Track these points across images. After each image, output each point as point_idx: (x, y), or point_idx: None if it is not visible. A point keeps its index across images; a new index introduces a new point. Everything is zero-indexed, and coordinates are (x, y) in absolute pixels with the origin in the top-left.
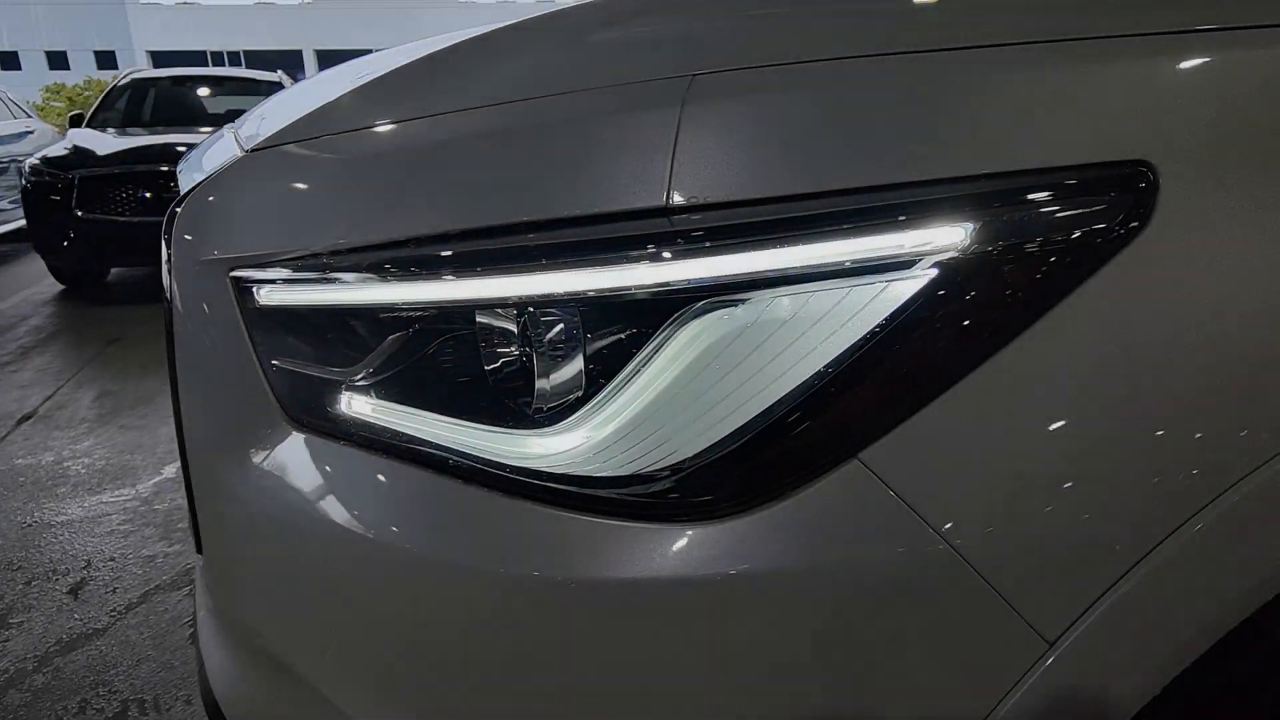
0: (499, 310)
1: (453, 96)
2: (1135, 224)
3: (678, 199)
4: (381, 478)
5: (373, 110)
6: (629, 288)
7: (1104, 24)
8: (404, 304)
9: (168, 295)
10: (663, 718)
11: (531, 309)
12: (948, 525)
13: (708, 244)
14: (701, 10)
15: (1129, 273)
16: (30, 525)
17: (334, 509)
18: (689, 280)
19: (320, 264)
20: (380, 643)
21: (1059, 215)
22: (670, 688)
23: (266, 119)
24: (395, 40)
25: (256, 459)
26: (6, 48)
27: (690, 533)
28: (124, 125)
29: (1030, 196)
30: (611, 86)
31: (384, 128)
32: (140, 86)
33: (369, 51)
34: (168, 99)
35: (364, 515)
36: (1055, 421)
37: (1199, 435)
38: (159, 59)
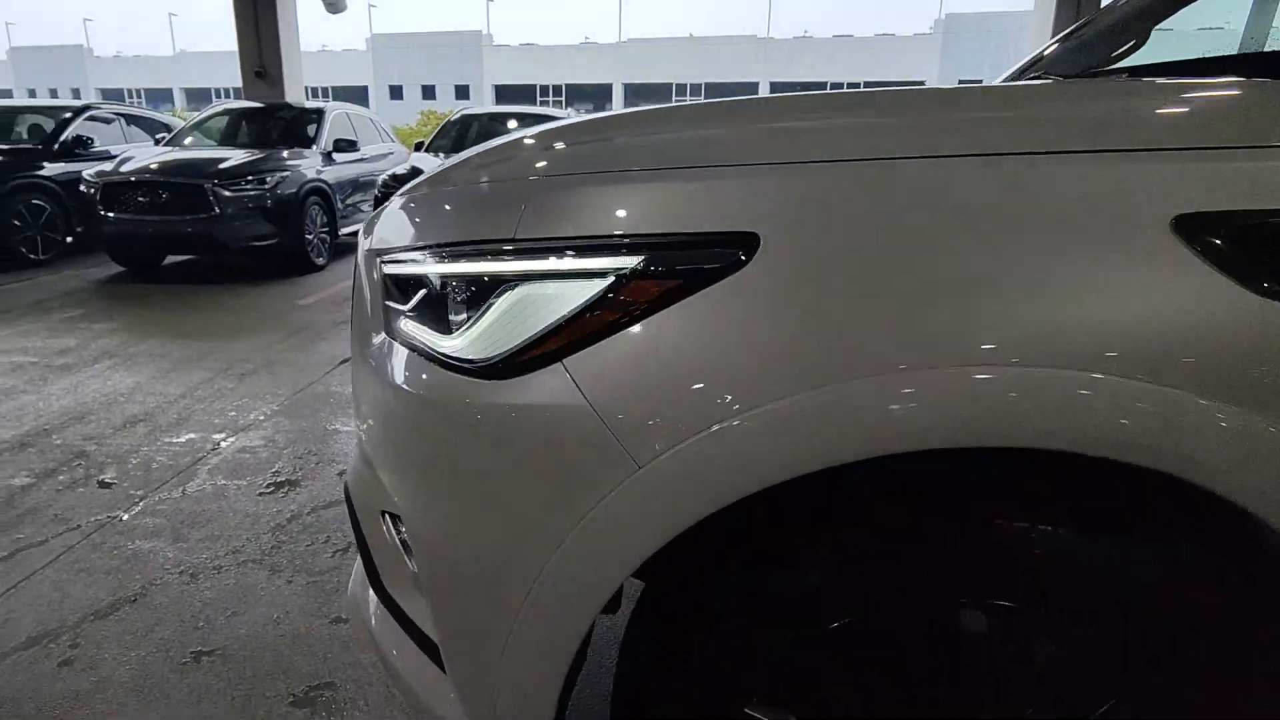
0: (444, 280)
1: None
2: (743, 260)
3: (519, 234)
4: (400, 357)
5: (429, 180)
6: (485, 273)
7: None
8: (421, 275)
9: (356, 266)
10: (466, 480)
11: (454, 281)
12: (594, 396)
13: (520, 255)
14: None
15: (735, 286)
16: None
17: (385, 367)
18: (509, 271)
19: (398, 256)
20: (382, 428)
21: (699, 253)
22: (473, 455)
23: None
24: (692, 73)
25: (372, 344)
26: (395, 82)
27: (495, 382)
28: (450, 150)
29: (683, 246)
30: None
31: (428, 188)
32: (467, 120)
33: (668, 84)
34: (486, 129)
35: (393, 369)
36: (667, 355)
37: (749, 367)
38: (500, 90)
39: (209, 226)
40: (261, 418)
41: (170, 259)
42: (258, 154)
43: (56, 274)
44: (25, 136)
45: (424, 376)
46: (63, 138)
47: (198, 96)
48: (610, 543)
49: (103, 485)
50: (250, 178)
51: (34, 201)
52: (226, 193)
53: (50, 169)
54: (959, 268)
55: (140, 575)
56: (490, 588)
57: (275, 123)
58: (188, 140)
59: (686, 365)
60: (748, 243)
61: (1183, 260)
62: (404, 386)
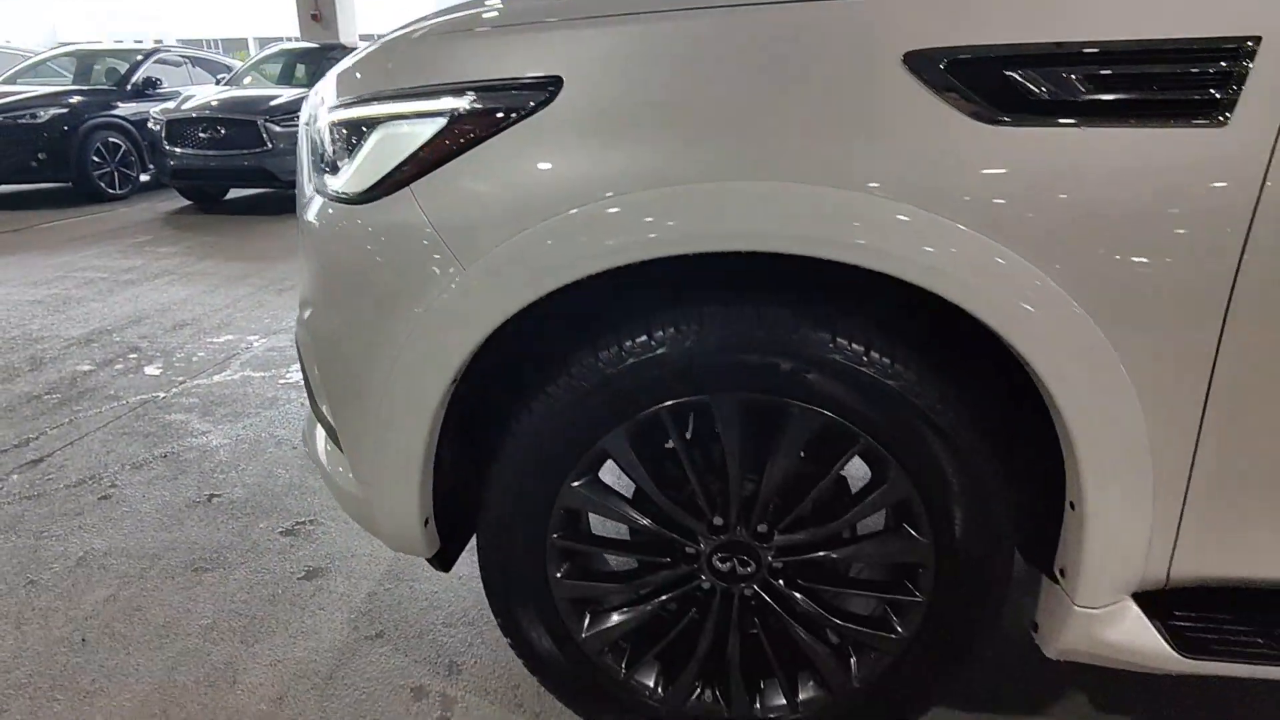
0: (333, 129)
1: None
2: (550, 98)
3: (386, 87)
4: (316, 204)
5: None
6: (359, 118)
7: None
8: (322, 129)
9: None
10: (346, 288)
11: (341, 129)
12: (431, 212)
13: (383, 101)
14: None
15: (545, 119)
16: None
17: (308, 214)
18: (374, 115)
19: (313, 121)
20: (304, 264)
21: (516, 94)
22: (349, 269)
23: None
24: None
25: (305, 200)
26: None
27: (365, 207)
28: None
29: (503, 89)
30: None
31: (341, 69)
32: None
33: None
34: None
35: (311, 214)
36: (488, 178)
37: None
38: None
39: (262, 160)
40: (292, 324)
41: (233, 193)
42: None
43: (131, 207)
44: (102, 79)
45: (329, 212)
46: (134, 79)
47: (268, 44)
48: (448, 328)
49: (150, 373)
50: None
51: (111, 140)
52: (277, 128)
53: (124, 109)
54: (722, 103)
55: (172, 439)
56: (362, 370)
57: (327, 63)
58: (246, 80)
59: (502, 186)
60: (554, 84)
61: (913, 92)
62: (313, 222)
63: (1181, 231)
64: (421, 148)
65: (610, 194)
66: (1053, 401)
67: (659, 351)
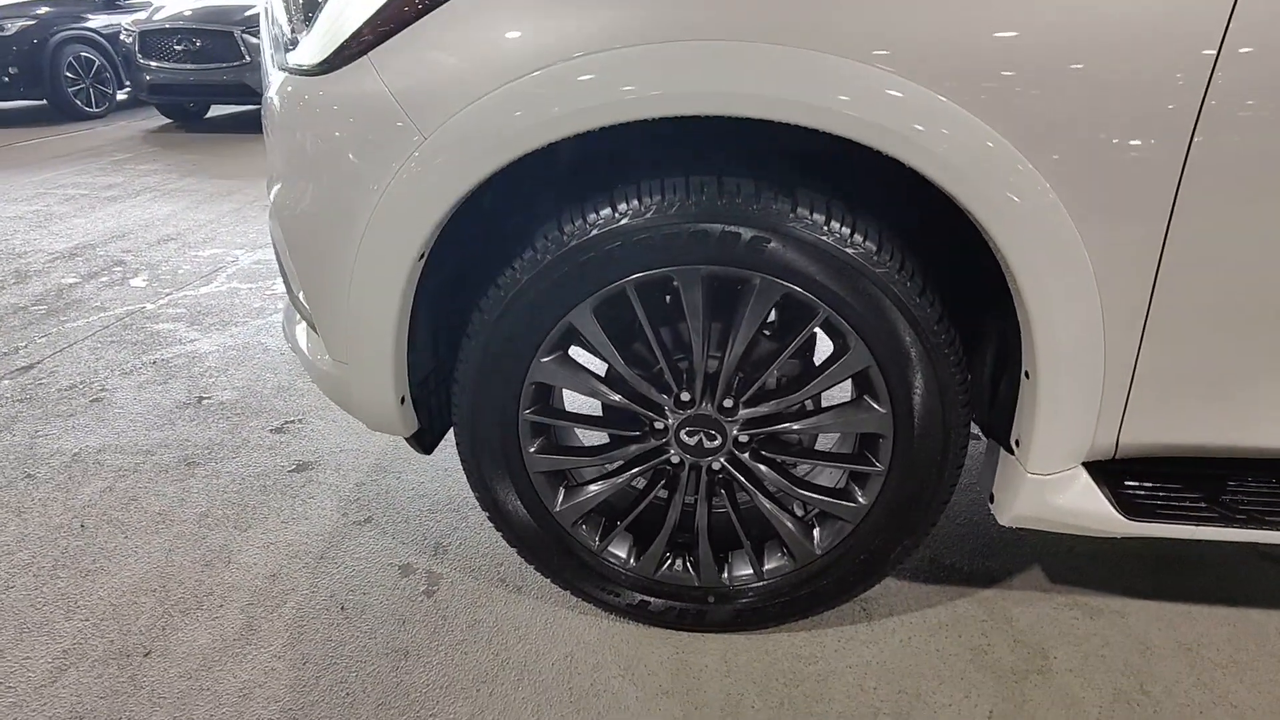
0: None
1: None
2: None
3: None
4: (278, 79)
5: None
6: None
7: None
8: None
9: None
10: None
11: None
12: (391, 81)
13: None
14: None
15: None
16: None
17: (270, 92)
18: None
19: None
20: (268, 143)
21: None
22: (313, 141)
23: None
24: None
25: (268, 82)
26: None
27: (323, 78)
28: None
29: None
30: None
31: None
32: None
33: None
34: None
35: (273, 90)
36: (443, 46)
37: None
38: None
39: (241, 74)
40: None
41: (215, 110)
42: None
43: (109, 125)
44: None
45: (288, 88)
46: None
47: None
48: (412, 199)
49: (136, 285)
50: None
51: (83, 54)
52: (255, 39)
53: (95, 21)
54: None
55: (161, 347)
56: (329, 249)
57: None
58: None
59: (462, 49)
60: None
61: None
62: (274, 99)
63: (1139, 118)
64: (378, 13)
65: (578, 54)
66: (1013, 276)
67: (622, 223)
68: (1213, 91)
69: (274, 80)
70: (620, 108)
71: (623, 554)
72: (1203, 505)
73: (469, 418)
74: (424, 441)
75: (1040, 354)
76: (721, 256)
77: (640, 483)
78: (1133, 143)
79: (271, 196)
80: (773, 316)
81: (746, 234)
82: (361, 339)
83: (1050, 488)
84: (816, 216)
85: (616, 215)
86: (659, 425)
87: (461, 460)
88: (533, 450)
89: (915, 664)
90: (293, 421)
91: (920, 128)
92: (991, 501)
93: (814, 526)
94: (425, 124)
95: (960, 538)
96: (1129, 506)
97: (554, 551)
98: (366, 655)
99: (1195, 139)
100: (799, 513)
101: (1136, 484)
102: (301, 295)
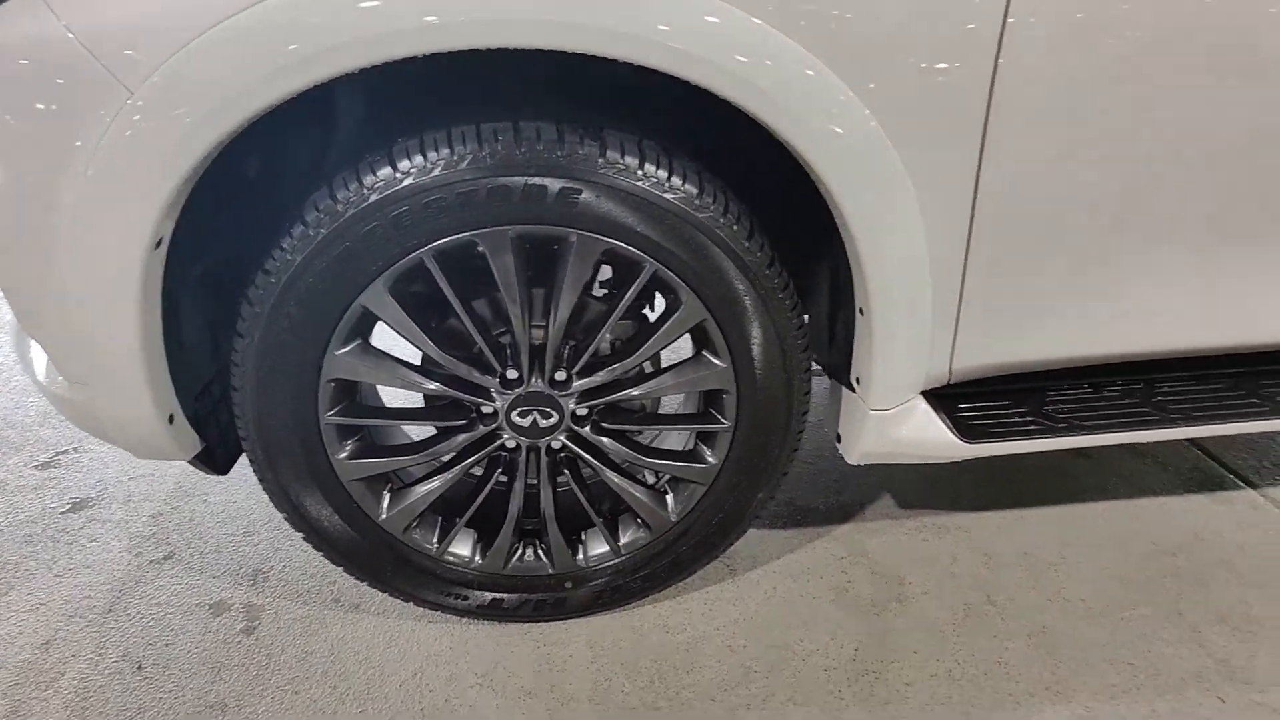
0: None
1: None
2: None
3: None
4: None
5: None
6: None
7: None
8: None
9: None
10: None
11: None
12: (70, 16)
13: None
14: None
15: None
16: None
17: None
18: None
19: None
20: None
21: None
22: None
23: None
24: None
25: None
26: None
27: None
28: None
29: None
30: None
31: None
32: None
33: None
34: None
35: None
36: None
37: None
38: None
39: None
40: None
41: None
42: None
43: None
44: None
45: None
46: None
47: None
48: (128, 174)
49: None
50: None
51: None
52: None
53: None
54: None
55: None
56: (31, 240)
57: None
58: None
59: None
60: None
61: None
62: None
63: (946, 40)
64: None
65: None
66: (840, 212)
67: (406, 183)
68: (1012, 9)
69: None
70: (378, 44)
71: (466, 552)
72: (1030, 420)
73: (256, 428)
74: (214, 461)
75: (872, 289)
76: (528, 214)
77: (477, 472)
78: (940, 65)
79: None
80: (602, 275)
81: (554, 186)
82: (97, 352)
83: (892, 421)
84: (629, 160)
85: (398, 175)
86: (487, 410)
87: (258, 479)
88: (344, 456)
89: (782, 614)
90: (65, 452)
91: (744, 59)
92: (839, 441)
93: (666, 493)
94: (128, 75)
95: (813, 476)
96: (966, 430)
97: (386, 563)
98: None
99: (1000, 59)
100: (650, 480)
101: (970, 407)
102: (16, 308)
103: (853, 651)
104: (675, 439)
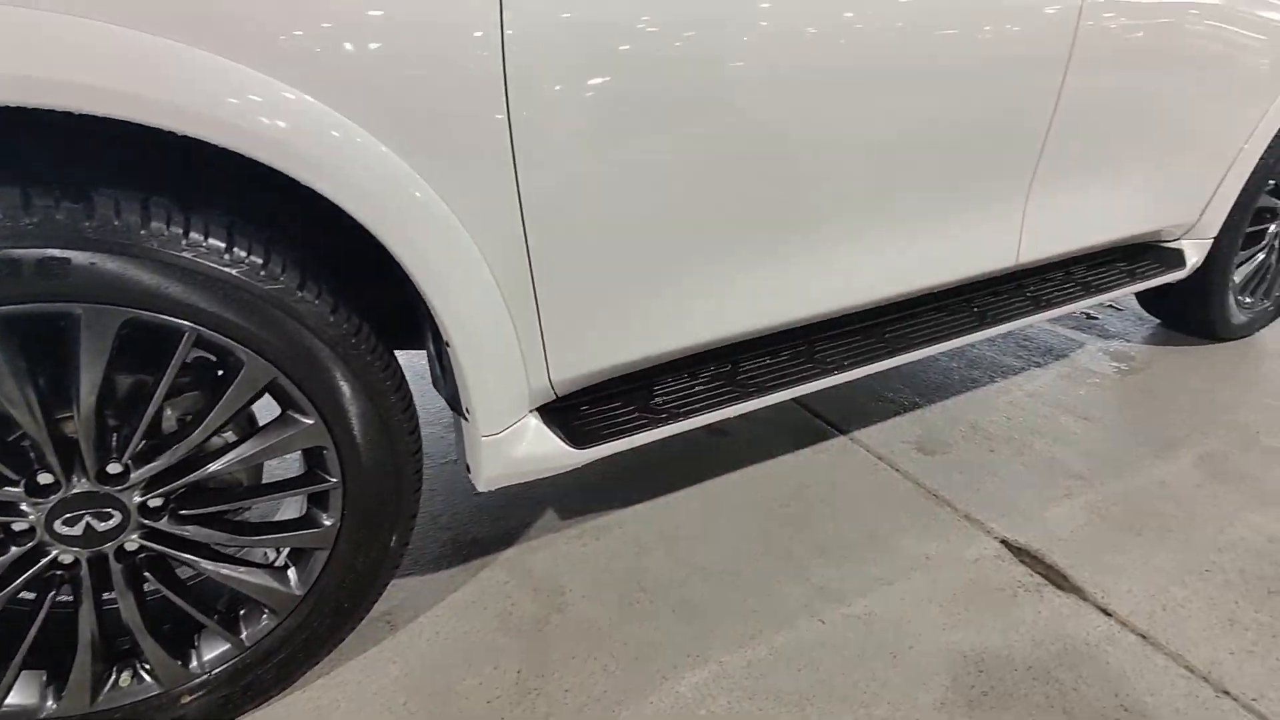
0: None
1: None
2: None
3: None
4: None
5: None
6: None
7: None
8: None
9: None
10: None
11: None
12: None
13: None
14: None
15: None
16: None
17: None
18: None
19: None
20: None
21: None
22: None
23: None
24: None
25: None
26: None
27: None
28: None
29: None
30: None
31: None
32: None
33: None
34: None
35: None
36: None
37: None
38: None
39: None
40: None
41: None
42: None
43: None
44: None
45: None
46: None
47: None
48: None
49: None
50: None
51: None
52: None
53: None
54: None
55: None
56: None
57: None
58: None
59: None
60: None
61: None
62: None
63: (455, 85)
64: None
65: None
66: (391, 251)
67: None
68: (509, 57)
69: None
70: None
71: (34, 699)
72: (637, 416)
73: None
74: None
75: (448, 323)
76: (20, 291)
77: (29, 597)
78: (456, 110)
79: None
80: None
81: (30, 257)
82: None
83: (506, 443)
84: (128, 218)
85: None
86: (20, 527)
87: None
88: None
89: (444, 657)
90: None
91: (268, 121)
92: (469, 472)
93: (288, 568)
94: None
95: (477, 508)
96: (578, 437)
97: None
98: None
99: (509, 103)
100: (272, 558)
101: (582, 416)
102: None
103: (515, 675)
104: (294, 507)
